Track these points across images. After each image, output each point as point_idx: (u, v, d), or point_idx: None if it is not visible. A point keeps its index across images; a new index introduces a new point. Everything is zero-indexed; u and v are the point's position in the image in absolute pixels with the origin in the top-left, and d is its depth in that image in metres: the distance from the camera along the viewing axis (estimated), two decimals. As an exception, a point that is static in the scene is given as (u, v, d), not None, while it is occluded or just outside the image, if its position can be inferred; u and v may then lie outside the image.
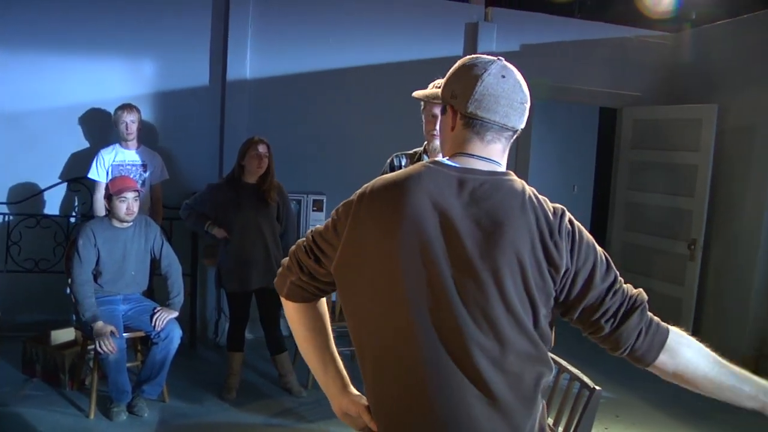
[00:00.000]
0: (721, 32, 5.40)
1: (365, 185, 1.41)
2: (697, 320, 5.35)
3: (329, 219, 1.46)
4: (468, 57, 1.45)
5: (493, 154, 1.41)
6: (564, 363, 2.39)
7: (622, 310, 1.37)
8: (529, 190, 1.37)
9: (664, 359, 1.37)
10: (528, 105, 1.43)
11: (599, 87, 5.81)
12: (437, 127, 2.70)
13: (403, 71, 5.22)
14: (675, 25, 5.83)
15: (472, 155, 1.39)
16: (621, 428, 3.96)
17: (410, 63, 5.24)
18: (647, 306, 1.40)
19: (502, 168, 1.42)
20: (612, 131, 6.25)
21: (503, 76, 1.38)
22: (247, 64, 4.98)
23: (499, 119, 1.38)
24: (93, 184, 4.47)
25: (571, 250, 1.34)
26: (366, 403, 1.44)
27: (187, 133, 5.02)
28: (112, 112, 4.54)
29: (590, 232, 1.43)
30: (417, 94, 1.82)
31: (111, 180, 3.87)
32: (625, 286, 1.39)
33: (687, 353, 1.38)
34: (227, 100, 4.97)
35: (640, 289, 1.41)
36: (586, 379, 2.27)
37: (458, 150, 1.41)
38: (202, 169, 5.03)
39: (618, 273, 1.39)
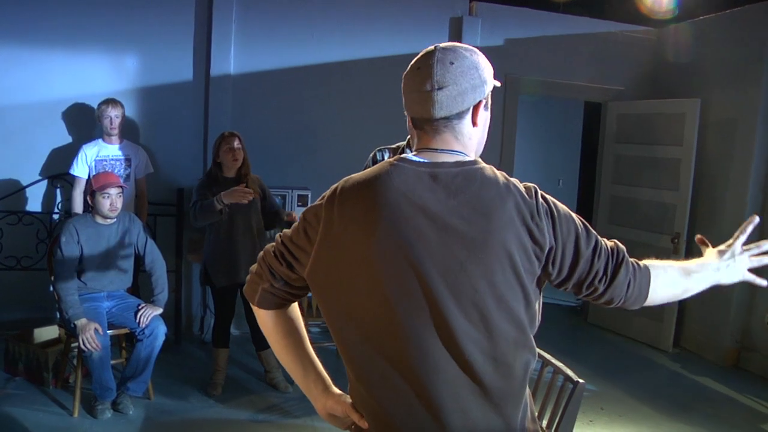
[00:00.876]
0: (704, 27, 5.44)
1: (333, 186, 1.39)
2: (681, 313, 5.40)
3: (299, 223, 1.43)
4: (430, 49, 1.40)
5: (450, 145, 1.38)
6: (548, 356, 2.40)
7: (610, 267, 1.42)
8: (501, 174, 1.37)
9: (652, 295, 1.49)
10: (444, 88, 1.33)
11: (583, 81, 5.83)
12: None
13: (387, 66, 5.21)
14: (658, 20, 5.86)
15: (435, 149, 1.38)
16: (606, 421, 3.99)
17: (394, 57, 5.22)
18: (626, 254, 1.47)
19: (470, 156, 1.40)
20: (597, 125, 6.28)
21: (419, 68, 1.36)
22: (231, 59, 4.95)
23: (414, 114, 1.39)
24: (74, 179, 4.43)
25: (553, 228, 1.35)
26: (350, 401, 1.43)
27: (170, 128, 4.98)
28: (94, 107, 4.49)
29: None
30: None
31: (94, 176, 3.83)
32: (602, 241, 1.44)
33: (666, 280, 1.51)
34: (211, 95, 4.94)
35: (615, 240, 1.47)
36: (569, 372, 2.28)
37: (419, 146, 1.41)
38: (186, 164, 5.01)
39: (595, 231, 1.43)
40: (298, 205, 4.84)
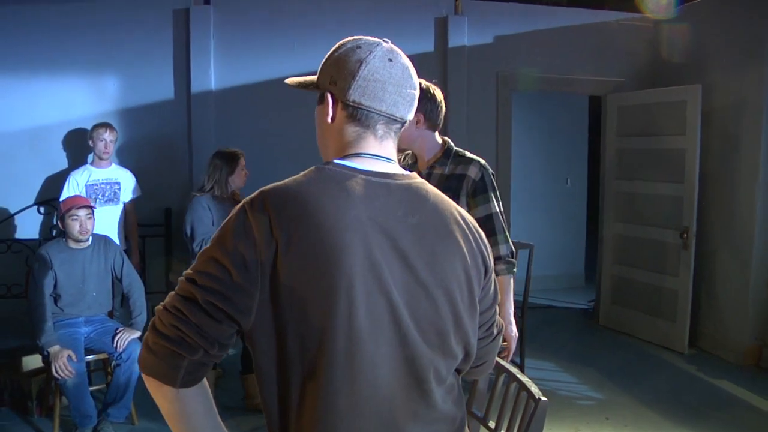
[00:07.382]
0: (702, 9, 5.20)
1: (254, 200, 1.16)
2: (695, 311, 5.14)
3: (226, 258, 1.11)
4: (349, 38, 1.28)
5: (391, 153, 1.26)
6: (514, 370, 2.24)
7: (494, 309, 1.40)
8: (439, 193, 1.27)
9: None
10: (417, 94, 1.27)
11: (581, 75, 5.62)
12: None
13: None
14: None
15: (373, 156, 1.24)
16: (610, 431, 3.78)
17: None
18: None
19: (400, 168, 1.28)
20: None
21: (390, 60, 1.23)
22: (212, 75, 4.89)
23: (386, 109, 1.22)
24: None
25: (487, 248, 1.32)
26: None
27: (154, 148, 4.94)
28: (80, 131, 4.50)
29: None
30: (290, 81, 1.44)
31: (62, 200, 3.78)
32: None
33: None
34: (193, 112, 4.88)
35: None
36: (533, 388, 2.11)
37: (354, 150, 1.25)
38: (172, 184, 4.95)
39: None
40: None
